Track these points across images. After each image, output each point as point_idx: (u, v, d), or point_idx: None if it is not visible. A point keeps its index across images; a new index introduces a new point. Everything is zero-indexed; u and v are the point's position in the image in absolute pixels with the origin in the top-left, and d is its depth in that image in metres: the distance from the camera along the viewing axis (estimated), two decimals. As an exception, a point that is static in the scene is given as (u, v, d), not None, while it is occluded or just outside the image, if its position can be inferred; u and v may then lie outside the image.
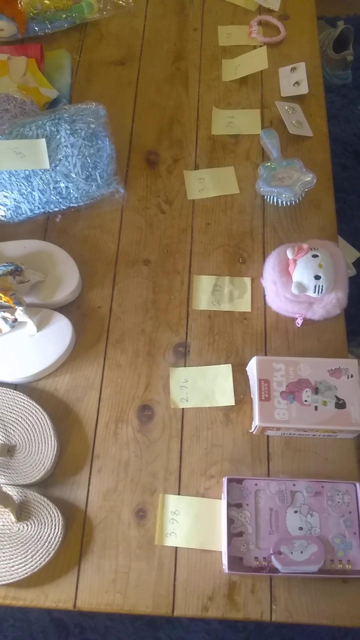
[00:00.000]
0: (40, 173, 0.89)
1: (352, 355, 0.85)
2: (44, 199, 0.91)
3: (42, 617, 1.19)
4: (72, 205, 0.93)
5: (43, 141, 0.89)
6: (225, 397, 0.80)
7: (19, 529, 0.71)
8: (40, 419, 0.77)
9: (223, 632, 1.18)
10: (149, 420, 0.79)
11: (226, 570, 0.69)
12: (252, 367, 0.78)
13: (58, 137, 0.90)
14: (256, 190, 0.94)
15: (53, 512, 0.71)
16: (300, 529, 0.70)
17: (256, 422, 0.74)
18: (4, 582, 0.68)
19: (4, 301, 0.79)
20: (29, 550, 0.69)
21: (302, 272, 0.81)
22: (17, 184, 0.90)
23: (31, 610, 1.19)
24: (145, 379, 0.82)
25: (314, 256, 0.81)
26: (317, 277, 0.80)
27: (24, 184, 0.90)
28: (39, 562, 0.69)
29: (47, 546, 0.70)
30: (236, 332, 0.85)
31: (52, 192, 0.91)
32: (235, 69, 1.09)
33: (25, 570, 0.69)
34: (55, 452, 0.75)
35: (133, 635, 1.17)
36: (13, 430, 0.77)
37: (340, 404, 0.74)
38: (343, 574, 0.69)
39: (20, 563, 0.69)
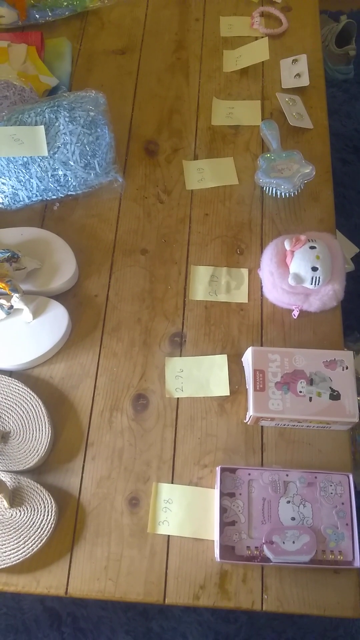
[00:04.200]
0: (39, 160, 0.89)
1: (348, 349, 0.84)
2: (42, 187, 0.91)
3: (35, 605, 1.19)
4: (70, 193, 0.92)
5: (41, 128, 0.88)
6: (220, 387, 0.80)
7: (11, 515, 0.71)
8: (35, 406, 0.77)
9: (215, 624, 1.18)
10: (144, 409, 0.79)
11: (218, 559, 0.69)
12: (247, 358, 0.78)
13: (57, 124, 0.89)
14: (255, 182, 0.94)
15: (46, 499, 0.71)
16: (293, 519, 0.71)
17: (250, 412, 0.74)
18: (-5, 568, 0.69)
19: (0, 288, 0.79)
20: (22, 537, 0.69)
21: (300, 263, 0.81)
22: (15, 171, 0.89)
23: (24, 599, 1.20)
24: (140, 368, 0.82)
25: (312, 248, 0.81)
26: (314, 269, 0.80)
27: (22, 171, 0.89)
28: (31, 548, 0.69)
29: (39, 532, 0.70)
30: (232, 323, 0.85)
31: (50, 179, 0.90)
32: (236, 60, 1.08)
33: (17, 556, 0.69)
34: (49, 439, 0.75)
35: (125, 625, 1.18)
36: (7, 417, 0.77)
37: (335, 396, 0.74)
38: (334, 565, 0.69)
39: (13, 549, 0.69)
